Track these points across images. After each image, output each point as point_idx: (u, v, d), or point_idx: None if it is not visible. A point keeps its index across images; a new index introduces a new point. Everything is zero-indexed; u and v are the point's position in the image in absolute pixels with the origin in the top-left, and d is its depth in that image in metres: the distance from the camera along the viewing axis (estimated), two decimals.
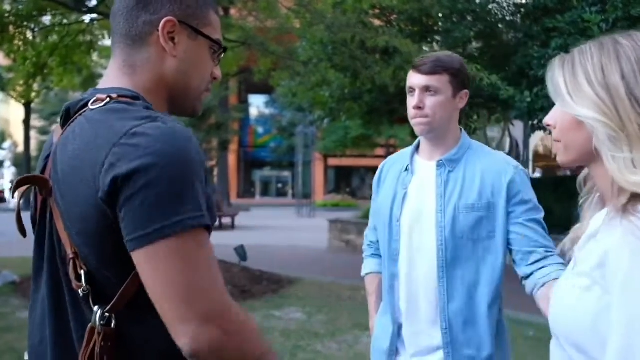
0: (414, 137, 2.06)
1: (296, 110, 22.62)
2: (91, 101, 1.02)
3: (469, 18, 9.30)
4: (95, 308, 0.95)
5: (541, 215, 1.80)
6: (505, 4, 9.53)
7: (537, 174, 18.73)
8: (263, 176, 39.65)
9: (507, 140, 15.43)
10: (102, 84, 1.10)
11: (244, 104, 34.68)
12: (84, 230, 0.95)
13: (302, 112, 19.58)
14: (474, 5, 9.11)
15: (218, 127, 20.80)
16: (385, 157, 7.75)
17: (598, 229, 1.04)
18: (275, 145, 35.03)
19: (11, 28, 8.08)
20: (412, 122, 1.85)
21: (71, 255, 0.96)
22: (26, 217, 1.08)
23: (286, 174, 37.80)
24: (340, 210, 23.84)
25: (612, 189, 1.01)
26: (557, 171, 21.34)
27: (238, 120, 30.46)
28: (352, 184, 37.67)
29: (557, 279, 1.59)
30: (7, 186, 32.45)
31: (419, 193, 1.86)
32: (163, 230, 0.88)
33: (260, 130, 38.49)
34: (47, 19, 8.79)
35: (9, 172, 32.81)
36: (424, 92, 1.81)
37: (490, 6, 9.41)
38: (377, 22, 8.84)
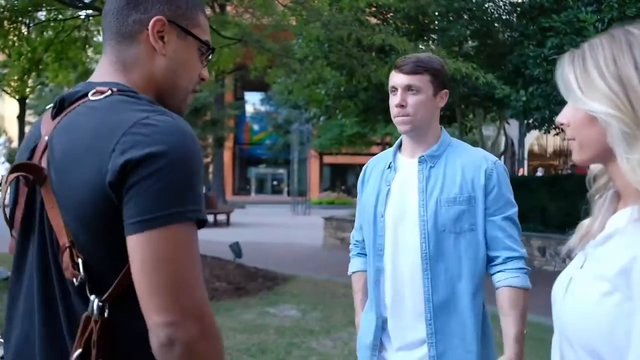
0: None
1: (292, 108, 22.66)
2: (91, 92, 1.04)
3: (465, 17, 9.33)
4: (92, 297, 0.96)
5: (514, 210, 1.86)
6: (501, 3, 9.56)
7: (539, 173, 18.77)
8: (258, 173, 39.55)
9: (503, 139, 15.46)
10: (94, 78, 1.11)
11: (239, 101, 34.54)
12: (83, 218, 0.96)
13: (298, 109, 19.59)
14: (470, 4, 9.14)
15: (213, 124, 20.79)
16: None
17: (619, 229, 0.99)
18: (270, 143, 34.93)
19: (6, 23, 8.06)
20: (395, 120, 1.90)
21: (67, 244, 0.97)
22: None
23: (281, 171, 37.68)
24: (335, 207, 23.84)
25: (635, 189, 0.95)
26: (551, 170, 21.47)
27: (234, 117, 30.46)
28: (347, 181, 37.58)
29: (510, 285, 1.80)
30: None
31: (402, 189, 1.90)
32: (165, 218, 0.90)
33: (255, 127, 38.40)
34: (42, 15, 8.78)
35: (3, 168, 32.70)
36: (406, 92, 1.85)
37: (486, 5, 9.45)
38: (373, 20, 8.85)
